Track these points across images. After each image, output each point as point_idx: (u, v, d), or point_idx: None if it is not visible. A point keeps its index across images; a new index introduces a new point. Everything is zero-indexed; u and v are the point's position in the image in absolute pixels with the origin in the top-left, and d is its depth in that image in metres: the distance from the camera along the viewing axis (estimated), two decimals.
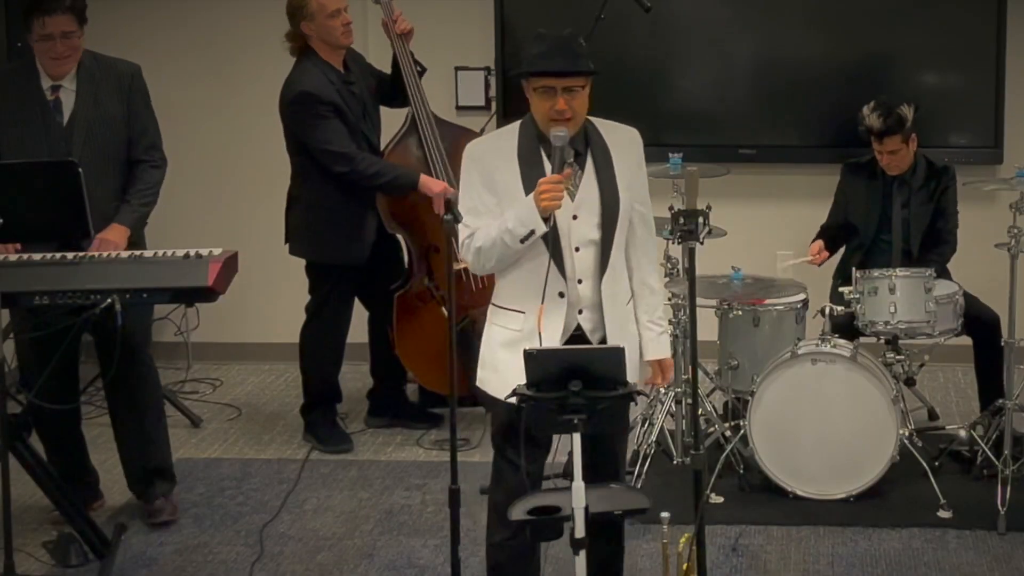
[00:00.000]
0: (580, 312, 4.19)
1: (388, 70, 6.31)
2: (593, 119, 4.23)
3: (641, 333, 4.27)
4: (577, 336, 4.20)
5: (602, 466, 4.11)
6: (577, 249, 4.16)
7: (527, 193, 4.09)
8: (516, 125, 4.24)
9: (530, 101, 4.17)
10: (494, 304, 4.29)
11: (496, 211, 4.15)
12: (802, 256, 6.27)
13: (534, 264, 4.15)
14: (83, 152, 5.20)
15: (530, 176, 4.12)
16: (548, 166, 4.12)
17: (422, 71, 6.30)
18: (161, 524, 5.49)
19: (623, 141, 4.24)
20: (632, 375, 4.00)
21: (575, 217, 4.14)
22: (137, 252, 5.01)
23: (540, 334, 4.10)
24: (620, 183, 4.17)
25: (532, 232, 4.07)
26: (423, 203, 6.10)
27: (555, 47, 4.11)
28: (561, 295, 4.15)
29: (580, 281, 4.17)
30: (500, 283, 4.28)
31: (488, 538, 4.37)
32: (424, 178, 6.04)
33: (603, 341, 4.19)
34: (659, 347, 4.27)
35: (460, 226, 4.14)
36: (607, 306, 4.18)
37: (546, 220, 4.06)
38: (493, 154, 4.21)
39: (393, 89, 6.26)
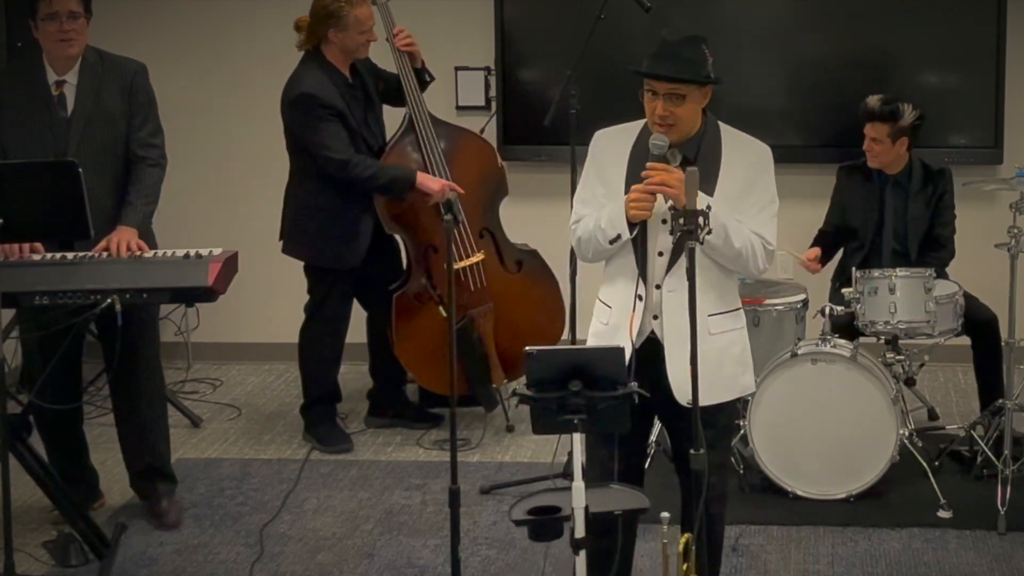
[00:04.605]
0: (655, 318, 4.18)
1: (389, 69, 6.32)
2: (724, 127, 4.23)
3: None
4: (651, 340, 4.18)
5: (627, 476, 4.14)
6: (660, 254, 4.16)
7: (629, 185, 4.11)
8: (644, 121, 4.24)
9: None
10: (598, 296, 4.32)
11: (603, 202, 4.18)
12: (797, 254, 6.25)
13: (624, 262, 4.19)
14: (80, 147, 5.21)
15: (635, 175, 4.12)
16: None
17: (430, 80, 6.32)
18: (166, 526, 5.49)
19: (743, 155, 4.20)
20: (715, 392, 4.05)
21: (664, 222, 4.11)
22: (137, 252, 5.02)
23: (632, 339, 4.13)
24: (718, 194, 4.12)
25: (619, 236, 4.10)
26: (421, 203, 6.10)
27: (664, 50, 4.11)
28: (640, 298, 4.15)
29: (658, 287, 4.16)
30: (604, 275, 4.30)
31: None
32: (421, 176, 6.05)
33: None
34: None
35: (573, 211, 4.23)
36: (667, 310, 4.15)
37: (633, 227, 4.08)
38: (610, 146, 4.23)
39: (396, 90, 6.27)
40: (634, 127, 4.24)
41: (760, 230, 4.16)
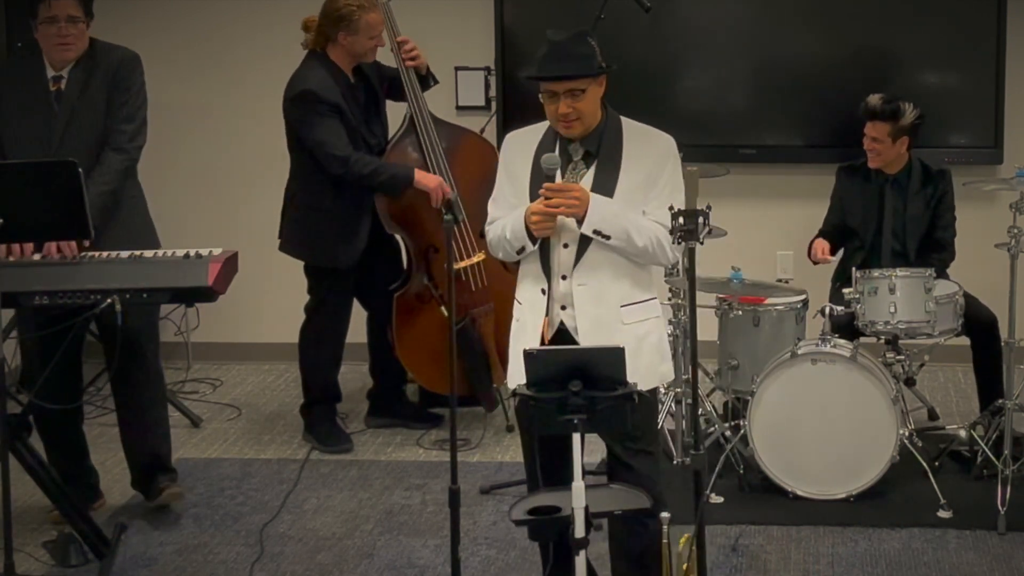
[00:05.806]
0: (563, 308, 4.22)
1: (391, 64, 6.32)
2: (627, 121, 4.24)
3: None
4: (561, 332, 4.22)
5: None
6: (566, 245, 4.20)
7: (532, 191, 4.16)
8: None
9: None
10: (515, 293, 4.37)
11: (513, 202, 4.23)
12: (803, 257, 6.25)
13: (530, 259, 4.25)
14: (65, 136, 5.22)
15: (539, 177, 4.16)
16: (558, 172, 4.17)
17: (434, 83, 6.32)
18: (165, 506, 5.50)
19: (645, 148, 4.20)
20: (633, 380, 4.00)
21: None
22: (137, 252, 5.01)
23: (545, 340, 4.18)
24: (620, 187, 4.16)
25: (524, 247, 4.19)
26: (422, 203, 6.10)
27: (555, 51, 4.13)
28: (543, 291, 4.21)
29: (564, 277, 4.20)
30: (519, 272, 4.36)
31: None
32: (419, 173, 6.06)
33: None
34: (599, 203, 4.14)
35: (489, 212, 4.30)
36: (578, 303, 4.19)
37: (535, 239, 4.15)
38: (519, 146, 4.29)
39: (400, 87, 6.27)
40: (539, 128, 4.29)
41: (666, 222, 4.13)
